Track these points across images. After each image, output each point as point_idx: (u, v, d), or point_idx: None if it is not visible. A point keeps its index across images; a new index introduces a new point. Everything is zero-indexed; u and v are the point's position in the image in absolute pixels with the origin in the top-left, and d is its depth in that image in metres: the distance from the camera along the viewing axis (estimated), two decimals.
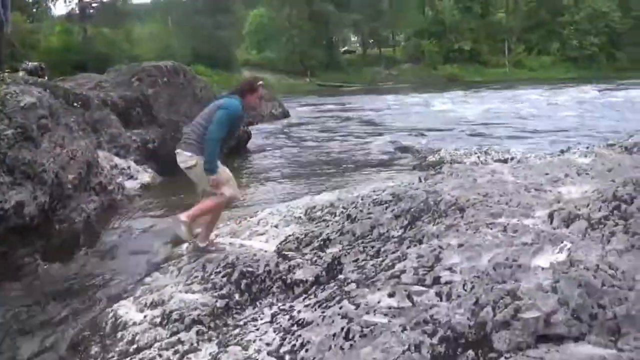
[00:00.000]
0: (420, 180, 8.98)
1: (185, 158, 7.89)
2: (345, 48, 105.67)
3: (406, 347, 4.25)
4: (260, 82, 8.12)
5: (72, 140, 11.86)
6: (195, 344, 5.88)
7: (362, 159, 18.55)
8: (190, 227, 8.02)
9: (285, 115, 33.87)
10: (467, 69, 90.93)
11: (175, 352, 5.84)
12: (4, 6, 11.95)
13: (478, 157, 15.08)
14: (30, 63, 22.40)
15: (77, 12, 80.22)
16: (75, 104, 14.85)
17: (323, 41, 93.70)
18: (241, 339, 5.49)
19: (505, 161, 12.76)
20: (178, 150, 8.01)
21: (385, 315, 4.70)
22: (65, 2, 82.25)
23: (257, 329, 5.64)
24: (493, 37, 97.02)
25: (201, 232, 8.31)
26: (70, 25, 78.45)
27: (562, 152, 11.57)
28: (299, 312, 5.56)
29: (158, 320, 6.46)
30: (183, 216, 7.97)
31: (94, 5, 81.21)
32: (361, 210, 7.98)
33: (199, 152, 7.76)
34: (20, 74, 17.69)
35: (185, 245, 9.06)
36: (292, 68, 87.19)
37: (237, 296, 6.61)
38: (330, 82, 78.69)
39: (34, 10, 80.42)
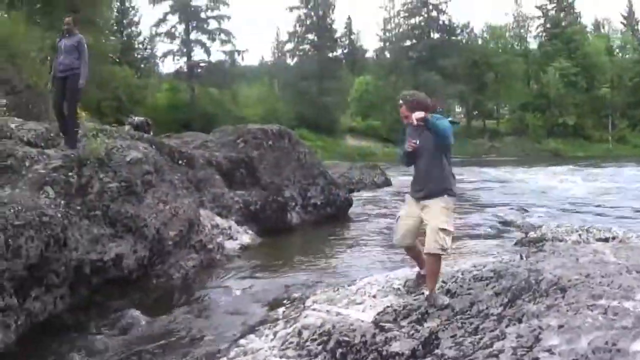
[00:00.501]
0: (521, 258, 8.87)
1: None
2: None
3: None
4: (400, 102, 8.20)
5: (175, 198, 12.12)
6: None
7: (463, 232, 18.37)
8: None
9: (387, 183, 33.55)
10: (571, 143, 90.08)
11: None
12: (83, 60, 11.99)
13: (579, 235, 14.81)
14: (136, 118, 23.13)
15: (185, 70, 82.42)
16: (180, 162, 15.22)
17: None
18: None
19: (606, 240, 12.56)
20: None
21: None
22: (173, 59, 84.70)
23: None
24: (597, 112, 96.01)
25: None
26: (177, 83, 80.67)
27: None
28: None
29: None
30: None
31: (201, 64, 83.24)
32: (461, 286, 7.92)
33: None
34: (126, 127, 18.22)
35: (281, 310, 9.11)
36: (396, 136, 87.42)
37: None
38: None
39: (142, 65, 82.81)
